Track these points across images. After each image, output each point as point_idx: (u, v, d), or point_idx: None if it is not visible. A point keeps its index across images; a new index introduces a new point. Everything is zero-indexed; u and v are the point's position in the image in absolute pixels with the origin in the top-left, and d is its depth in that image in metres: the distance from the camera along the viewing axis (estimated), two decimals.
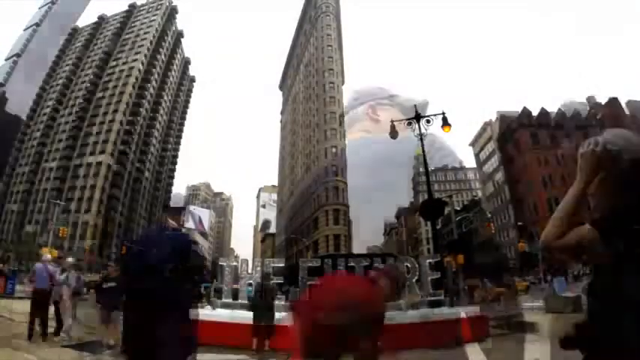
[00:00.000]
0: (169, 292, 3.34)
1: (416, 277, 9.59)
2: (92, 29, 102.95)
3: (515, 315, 13.98)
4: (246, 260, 10.79)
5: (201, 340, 8.51)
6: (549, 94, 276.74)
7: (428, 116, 14.26)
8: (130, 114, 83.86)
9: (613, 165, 1.26)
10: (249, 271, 9.98)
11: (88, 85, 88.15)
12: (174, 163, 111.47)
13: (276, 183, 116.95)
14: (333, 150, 62.39)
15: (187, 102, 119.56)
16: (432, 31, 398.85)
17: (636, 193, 1.23)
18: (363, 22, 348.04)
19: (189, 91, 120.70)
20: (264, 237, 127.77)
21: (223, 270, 10.32)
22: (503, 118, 68.34)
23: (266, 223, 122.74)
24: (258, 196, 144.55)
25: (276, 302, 8.57)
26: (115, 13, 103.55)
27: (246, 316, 8.90)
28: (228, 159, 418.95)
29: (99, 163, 75.49)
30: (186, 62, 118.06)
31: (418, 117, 14.21)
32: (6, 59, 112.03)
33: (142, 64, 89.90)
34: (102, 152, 76.46)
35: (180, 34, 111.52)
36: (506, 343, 8.44)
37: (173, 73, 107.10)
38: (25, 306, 8.19)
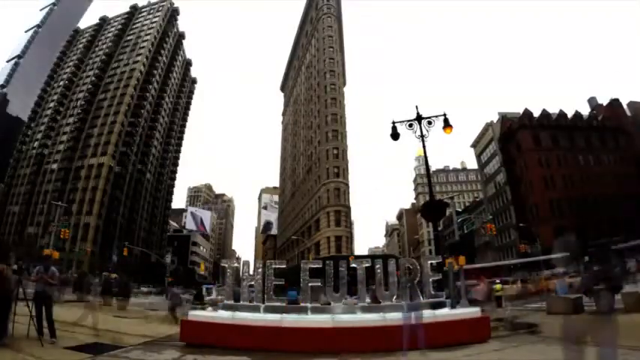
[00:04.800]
0: None
1: (417, 279, 9.57)
2: (94, 31, 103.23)
3: (516, 316, 13.95)
4: (248, 262, 10.77)
5: (203, 340, 8.59)
6: (550, 95, 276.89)
7: (429, 117, 14.24)
8: (131, 115, 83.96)
9: None
10: (251, 272, 9.96)
11: (90, 86, 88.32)
12: (176, 165, 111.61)
13: (277, 184, 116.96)
14: (335, 151, 62.34)
15: (189, 103, 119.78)
16: (434, 32, 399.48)
17: None
18: (365, 23, 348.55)
19: (191, 92, 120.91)
20: (265, 238, 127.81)
21: (225, 272, 10.32)
22: (504, 119, 68.29)
23: (267, 225, 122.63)
24: (259, 198, 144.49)
25: None
26: (117, 15, 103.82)
27: (247, 317, 8.90)
28: (230, 160, 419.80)
29: (100, 165, 75.57)
30: (187, 64, 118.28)
31: (420, 118, 14.20)
32: (7, 61, 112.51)
33: (144, 65, 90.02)
34: (103, 154, 76.52)
35: (181, 36, 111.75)
36: (508, 344, 8.42)
37: (174, 74, 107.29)
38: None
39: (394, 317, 8.62)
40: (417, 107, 14.39)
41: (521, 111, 65.37)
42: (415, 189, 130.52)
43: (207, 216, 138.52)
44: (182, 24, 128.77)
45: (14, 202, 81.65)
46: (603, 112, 65.13)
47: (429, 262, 10.07)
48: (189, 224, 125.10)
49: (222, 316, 9.19)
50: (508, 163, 65.82)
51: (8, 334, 7.81)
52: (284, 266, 10.55)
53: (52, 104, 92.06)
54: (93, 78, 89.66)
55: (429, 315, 8.78)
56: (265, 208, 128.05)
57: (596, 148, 60.35)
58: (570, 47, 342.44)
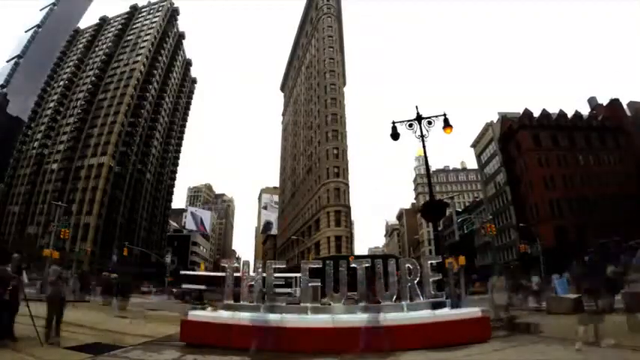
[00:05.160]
0: None
1: (417, 279, 9.57)
2: (94, 31, 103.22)
3: (516, 316, 13.95)
4: (248, 262, 10.78)
5: (203, 340, 8.58)
6: (550, 95, 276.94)
7: (429, 117, 14.23)
8: (131, 115, 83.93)
9: None
10: (251, 272, 9.96)
11: (90, 86, 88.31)
12: (176, 165, 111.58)
13: (277, 184, 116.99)
14: (335, 151, 62.33)
15: (189, 103, 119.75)
16: (434, 32, 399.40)
17: None
18: (365, 23, 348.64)
19: (191, 92, 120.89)
20: (265, 238, 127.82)
21: (225, 271, 10.32)
22: (504, 119, 68.32)
23: (267, 225, 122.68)
24: (259, 198, 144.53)
25: None
26: (117, 15, 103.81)
27: (247, 317, 8.90)
28: (230, 160, 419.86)
29: (100, 165, 75.54)
30: (187, 63, 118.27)
31: (419, 118, 14.19)
32: (7, 61, 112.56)
33: (144, 65, 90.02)
34: (103, 154, 76.50)
35: (181, 36, 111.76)
36: (508, 344, 8.41)
37: (174, 74, 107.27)
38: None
39: (394, 317, 8.63)
40: (417, 107, 14.39)
41: (521, 111, 65.41)
42: (415, 189, 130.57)
43: (207, 216, 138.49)
44: (182, 24, 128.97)
45: (14, 202, 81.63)
46: (603, 112, 65.14)
47: (429, 262, 10.06)
48: (189, 224, 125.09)
49: (222, 316, 9.19)
50: (508, 163, 65.85)
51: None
52: (284, 266, 10.57)
53: (52, 104, 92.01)
54: (93, 78, 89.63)
55: (428, 315, 8.78)
56: (265, 208, 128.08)
57: (596, 148, 60.37)
58: (570, 47, 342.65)
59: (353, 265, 9.85)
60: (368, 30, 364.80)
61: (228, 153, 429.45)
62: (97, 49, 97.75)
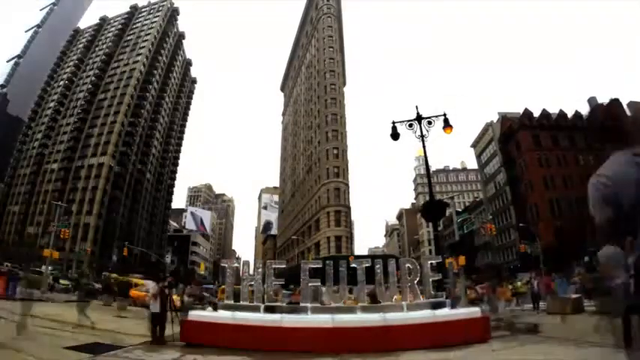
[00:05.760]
0: None
1: (417, 279, 9.56)
2: (94, 30, 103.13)
3: (516, 316, 13.95)
4: (248, 262, 10.78)
5: (203, 340, 8.59)
6: (550, 95, 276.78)
7: (429, 117, 14.23)
8: (131, 115, 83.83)
9: None
10: (251, 272, 9.96)
11: (90, 86, 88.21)
12: (176, 165, 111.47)
13: (277, 184, 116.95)
14: (335, 151, 62.29)
15: (189, 103, 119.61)
16: (434, 32, 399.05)
17: None
18: (365, 23, 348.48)
19: (191, 92, 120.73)
20: (265, 238, 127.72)
21: (225, 272, 10.33)
22: (504, 119, 68.24)
23: (267, 225, 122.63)
24: (259, 198, 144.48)
25: None
26: (117, 15, 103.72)
27: (247, 318, 8.90)
28: (230, 160, 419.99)
29: (100, 165, 75.45)
30: (187, 64, 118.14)
31: (419, 118, 14.19)
32: (7, 61, 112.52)
33: (144, 65, 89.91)
34: (103, 154, 76.42)
35: (181, 36, 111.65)
36: (508, 344, 8.41)
37: (174, 74, 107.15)
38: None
39: (394, 317, 8.62)
40: (417, 107, 14.39)
41: (521, 111, 65.34)
42: (415, 189, 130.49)
43: (207, 216, 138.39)
44: (182, 24, 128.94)
45: (14, 202, 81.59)
46: (603, 112, 64.97)
47: (429, 262, 10.06)
48: (189, 224, 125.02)
49: (222, 316, 9.19)
50: (508, 163, 65.79)
51: None
52: (284, 266, 10.57)
53: (52, 104, 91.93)
54: (93, 78, 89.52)
55: (429, 315, 8.77)
56: (265, 208, 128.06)
57: (596, 148, 60.19)
58: (570, 47, 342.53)
59: (353, 265, 9.86)
60: (368, 30, 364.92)
61: (228, 153, 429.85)
62: (97, 49, 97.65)
